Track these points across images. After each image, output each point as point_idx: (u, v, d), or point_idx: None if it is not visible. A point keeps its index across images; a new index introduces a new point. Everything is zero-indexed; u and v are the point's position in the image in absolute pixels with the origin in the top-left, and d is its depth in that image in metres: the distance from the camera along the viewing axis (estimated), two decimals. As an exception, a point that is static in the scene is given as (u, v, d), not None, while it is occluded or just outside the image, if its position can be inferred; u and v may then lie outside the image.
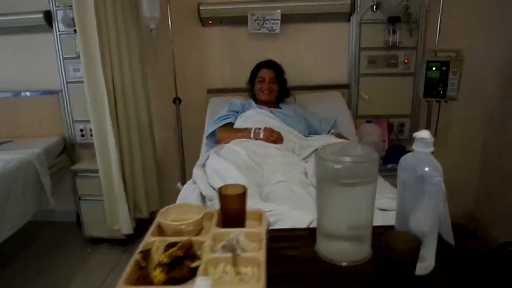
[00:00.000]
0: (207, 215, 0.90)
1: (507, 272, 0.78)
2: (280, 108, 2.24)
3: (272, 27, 2.44)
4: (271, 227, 1.07)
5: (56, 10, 2.46)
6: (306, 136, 2.05)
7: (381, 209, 1.22)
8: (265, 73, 2.23)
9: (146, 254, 0.73)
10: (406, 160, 0.78)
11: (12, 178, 2.12)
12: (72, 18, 2.24)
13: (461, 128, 2.62)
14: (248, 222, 0.91)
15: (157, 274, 0.66)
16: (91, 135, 2.21)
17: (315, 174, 0.98)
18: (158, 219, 0.84)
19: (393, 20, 2.31)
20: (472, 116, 2.60)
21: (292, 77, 2.37)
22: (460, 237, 0.85)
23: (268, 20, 2.43)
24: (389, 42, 2.37)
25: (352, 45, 2.47)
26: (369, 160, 0.78)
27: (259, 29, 2.45)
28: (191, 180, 1.66)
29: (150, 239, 0.79)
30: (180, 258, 0.72)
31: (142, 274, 0.71)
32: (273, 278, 0.72)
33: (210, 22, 2.52)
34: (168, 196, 2.62)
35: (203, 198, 1.45)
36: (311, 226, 1.06)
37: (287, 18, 2.43)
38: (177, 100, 2.46)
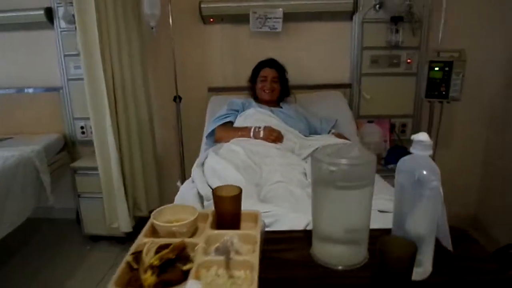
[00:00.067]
0: (202, 216, 0.89)
1: (505, 279, 0.76)
2: (281, 107, 2.22)
3: (274, 25, 2.42)
4: (268, 229, 1.06)
5: (57, 6, 2.46)
6: (306, 136, 2.03)
7: (380, 211, 1.20)
8: (268, 72, 2.21)
9: (138, 255, 0.72)
10: (403, 163, 0.76)
11: (12, 175, 2.12)
12: (73, 15, 2.22)
13: (463, 129, 2.60)
14: (243, 223, 0.90)
15: (148, 277, 0.65)
16: (92, 133, 2.21)
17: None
18: (151, 220, 0.83)
19: (396, 20, 2.29)
20: (474, 117, 2.57)
21: (294, 76, 2.35)
22: (458, 241, 0.83)
23: (270, 18, 2.41)
24: (391, 41, 2.35)
25: (355, 45, 2.45)
26: (366, 162, 0.77)
27: (260, 28, 2.43)
28: (189, 179, 1.66)
29: (142, 240, 0.78)
30: (172, 260, 0.70)
31: (134, 276, 0.70)
32: (266, 282, 0.71)
33: (212, 20, 2.50)
34: (168, 195, 2.61)
35: (200, 197, 1.44)
36: (308, 228, 1.05)
37: (289, 17, 2.41)
38: (177, 98, 2.44)
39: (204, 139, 2.21)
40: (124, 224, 2.22)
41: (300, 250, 0.87)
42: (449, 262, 0.80)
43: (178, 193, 1.55)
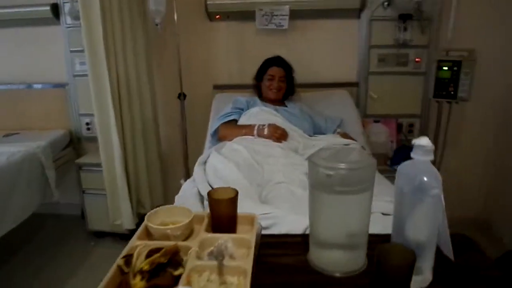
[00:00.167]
0: (198, 218, 0.87)
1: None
2: (286, 106, 2.19)
3: (280, 23, 2.40)
4: (267, 231, 1.04)
5: (63, 2, 2.46)
6: (310, 136, 2.00)
7: (383, 214, 1.17)
8: (275, 71, 2.18)
9: (129, 259, 0.70)
10: (404, 167, 0.74)
11: (17, 170, 2.13)
12: (79, 11, 2.22)
13: (471, 129, 2.55)
14: (240, 226, 0.88)
15: (137, 282, 0.64)
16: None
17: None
18: (145, 222, 0.82)
19: (404, 17, 2.24)
20: (483, 118, 2.52)
21: (300, 74, 2.32)
22: (461, 248, 0.81)
23: (276, 15, 2.39)
24: (400, 40, 2.30)
25: (362, 43, 2.41)
26: (364, 166, 0.75)
27: (267, 25, 2.41)
28: (191, 178, 1.64)
29: (135, 242, 0.76)
30: (164, 264, 0.69)
31: (125, 280, 0.69)
32: (261, 287, 0.69)
33: (218, 16, 2.48)
34: (172, 192, 2.57)
35: (201, 197, 1.43)
36: (307, 231, 1.02)
37: (296, 14, 2.38)
38: (182, 96, 2.43)
39: (208, 137, 2.20)
40: (127, 222, 2.21)
41: (297, 255, 0.85)
42: (450, 271, 0.77)
43: (179, 192, 1.54)
